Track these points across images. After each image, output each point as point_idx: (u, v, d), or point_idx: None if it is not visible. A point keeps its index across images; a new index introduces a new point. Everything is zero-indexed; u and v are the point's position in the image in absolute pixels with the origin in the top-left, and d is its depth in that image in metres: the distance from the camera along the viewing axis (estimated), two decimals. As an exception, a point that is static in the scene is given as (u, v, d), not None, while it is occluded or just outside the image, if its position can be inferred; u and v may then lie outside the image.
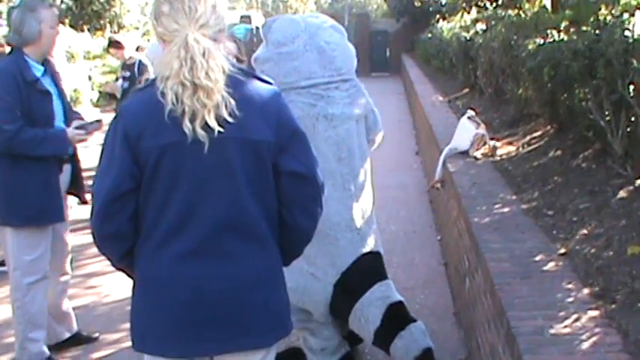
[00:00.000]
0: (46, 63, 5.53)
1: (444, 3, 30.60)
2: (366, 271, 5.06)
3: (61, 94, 5.62)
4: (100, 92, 23.52)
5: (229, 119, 2.85)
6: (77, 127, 5.57)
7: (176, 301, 3.00)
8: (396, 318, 4.94)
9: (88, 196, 5.91)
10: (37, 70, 5.39)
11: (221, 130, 2.84)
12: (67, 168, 5.71)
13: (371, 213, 5.24)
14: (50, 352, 5.76)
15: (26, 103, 5.21)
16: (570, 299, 3.99)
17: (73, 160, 5.79)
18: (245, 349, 3.11)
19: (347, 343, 5.48)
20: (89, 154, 6.00)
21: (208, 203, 2.96)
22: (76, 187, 5.90)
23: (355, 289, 4.99)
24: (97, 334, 6.27)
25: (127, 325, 6.32)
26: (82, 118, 5.82)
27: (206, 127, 2.84)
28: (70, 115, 5.69)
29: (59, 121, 5.51)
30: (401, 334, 4.82)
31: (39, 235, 5.50)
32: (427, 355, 4.78)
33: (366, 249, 5.08)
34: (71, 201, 6.04)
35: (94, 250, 8.38)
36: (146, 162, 2.92)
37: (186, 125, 2.83)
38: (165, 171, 2.93)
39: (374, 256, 5.14)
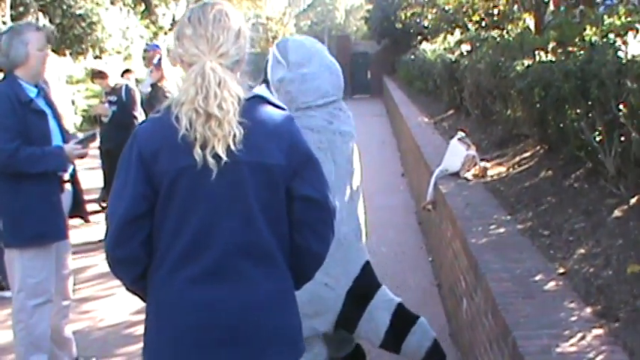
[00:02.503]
0: (38, 85, 5.60)
1: (426, 25, 30.66)
2: (371, 277, 5.33)
3: (55, 115, 5.68)
4: (83, 117, 23.48)
5: (240, 147, 2.87)
6: (74, 143, 5.63)
7: (188, 325, 3.00)
8: (404, 317, 5.31)
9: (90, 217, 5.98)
10: (31, 91, 5.47)
11: (227, 160, 2.86)
12: (68, 190, 5.77)
13: (365, 221, 5.50)
14: None
15: (23, 123, 5.29)
16: (574, 318, 4.01)
17: (74, 181, 5.87)
18: None
19: None
20: (86, 176, 6.07)
21: (222, 227, 2.97)
22: (78, 208, 5.99)
23: (365, 294, 5.24)
24: (94, 359, 6.24)
25: (124, 350, 6.43)
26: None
27: (216, 155, 2.86)
28: (66, 136, 5.74)
29: (57, 141, 5.58)
30: (413, 330, 5.26)
31: (43, 256, 5.52)
32: (436, 344, 5.34)
33: (367, 257, 5.36)
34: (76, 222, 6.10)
35: (88, 274, 8.51)
36: (160, 184, 2.94)
37: (197, 152, 2.85)
38: (180, 194, 2.94)
39: (370, 264, 5.40)
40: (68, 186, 5.80)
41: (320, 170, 3.17)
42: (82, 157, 5.70)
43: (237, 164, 2.91)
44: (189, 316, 3.00)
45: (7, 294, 7.11)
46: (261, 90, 5.15)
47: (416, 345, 5.29)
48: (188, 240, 2.97)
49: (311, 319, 5.05)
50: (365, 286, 5.24)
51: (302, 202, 3.09)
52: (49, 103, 5.67)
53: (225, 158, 2.85)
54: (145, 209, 2.97)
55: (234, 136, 2.86)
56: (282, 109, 3.16)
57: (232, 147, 2.86)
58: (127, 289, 3.27)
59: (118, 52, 36.62)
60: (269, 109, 3.10)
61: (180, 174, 2.92)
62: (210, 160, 2.85)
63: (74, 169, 5.87)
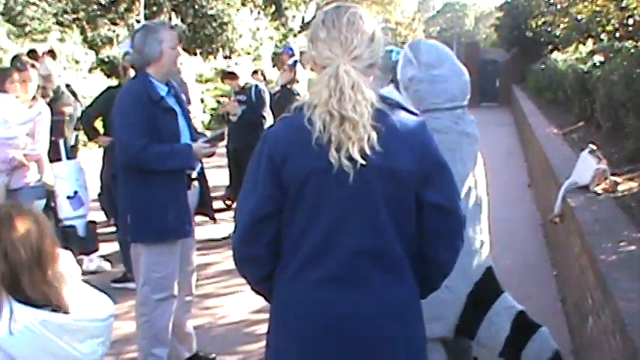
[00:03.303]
0: (169, 84, 5.68)
1: (557, 34, 30.14)
2: (493, 282, 5.18)
3: (185, 113, 5.76)
4: (211, 115, 23.86)
5: (373, 150, 2.85)
6: (203, 142, 5.68)
7: (313, 326, 3.01)
8: (525, 324, 5.10)
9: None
10: (162, 89, 5.55)
11: (364, 162, 2.85)
12: (195, 188, 5.85)
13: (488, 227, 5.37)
14: None
15: (152, 120, 5.39)
16: None
17: (201, 179, 5.94)
18: None
19: None
20: (212, 174, 6.15)
21: (348, 230, 2.96)
22: (205, 206, 6.07)
23: (486, 299, 5.11)
24: (213, 355, 6.32)
25: (243, 348, 6.48)
26: None
27: (350, 157, 2.85)
28: (194, 134, 5.82)
29: (185, 139, 5.65)
30: (534, 338, 5.00)
31: (168, 252, 5.61)
32: (557, 357, 5.05)
33: (490, 262, 5.22)
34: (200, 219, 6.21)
35: (211, 270, 8.64)
36: (289, 186, 2.96)
37: (333, 155, 2.85)
38: (308, 196, 2.95)
39: (493, 270, 5.26)
40: (195, 184, 5.87)
41: (451, 178, 3.14)
42: (209, 155, 5.77)
43: (368, 168, 2.89)
44: (314, 317, 3.01)
45: (131, 285, 7.25)
46: (388, 91, 5.12)
47: (536, 354, 5.08)
48: (315, 242, 2.98)
49: (430, 323, 4.98)
50: (486, 290, 5.13)
51: (431, 210, 3.06)
52: (179, 102, 5.74)
53: (360, 161, 2.84)
54: (272, 210, 3.00)
55: (369, 139, 2.85)
56: (415, 114, 3.13)
57: (367, 150, 2.85)
58: (252, 289, 3.31)
59: (248, 53, 37.10)
60: (402, 114, 3.07)
61: (309, 176, 2.93)
62: (345, 163, 2.85)
63: (202, 168, 5.95)
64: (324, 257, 2.98)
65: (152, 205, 5.48)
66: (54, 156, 7.81)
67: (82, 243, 7.07)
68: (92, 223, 7.13)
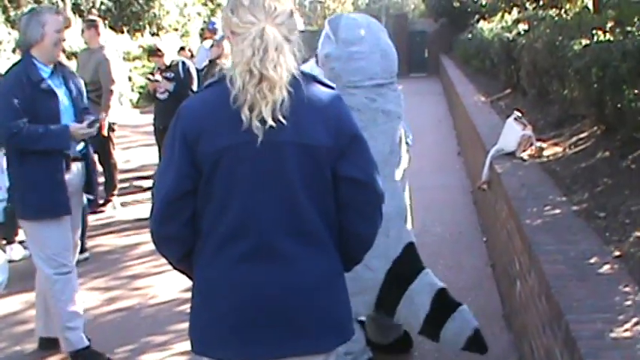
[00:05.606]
0: (57, 65, 5.82)
1: (483, 3, 30.39)
2: (413, 259, 5.23)
3: (71, 95, 5.83)
4: (140, 93, 23.64)
5: (285, 122, 2.84)
6: (87, 124, 5.78)
7: (234, 304, 3.00)
8: (445, 302, 5.15)
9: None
10: (44, 71, 5.67)
11: (273, 124, 2.83)
12: (77, 167, 5.93)
13: (409, 204, 5.41)
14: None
15: (30, 101, 5.50)
16: (629, 302, 3.94)
17: (87, 159, 6.03)
18: (302, 353, 3.09)
19: (370, 349, 5.43)
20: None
21: (265, 208, 2.95)
22: (88, 187, 6.14)
23: (406, 276, 5.13)
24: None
25: (174, 327, 6.47)
26: None
27: (262, 121, 2.83)
28: (81, 116, 5.88)
29: (67, 120, 5.75)
30: (453, 316, 5.07)
31: (53, 228, 5.72)
32: (477, 335, 5.11)
33: (410, 238, 5.26)
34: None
35: (139, 251, 8.62)
36: (203, 165, 2.93)
37: (245, 113, 2.83)
38: (222, 174, 2.93)
39: (414, 246, 5.30)
40: (78, 164, 5.94)
41: (367, 152, 3.12)
42: (85, 138, 5.86)
43: (281, 144, 2.89)
44: (235, 295, 3.00)
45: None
46: (310, 65, 5.13)
47: (455, 333, 5.10)
48: (231, 220, 2.97)
49: (350, 298, 4.99)
50: (405, 268, 5.15)
51: (348, 184, 3.05)
52: (66, 83, 5.83)
53: (270, 122, 2.82)
54: (188, 188, 2.97)
55: (282, 102, 2.84)
56: (332, 87, 3.12)
57: (278, 115, 2.83)
58: (174, 267, 3.30)
59: (175, 30, 36.73)
60: (317, 87, 3.05)
61: (222, 154, 2.90)
62: (256, 125, 2.83)
63: (86, 148, 6.02)
64: (241, 234, 2.96)
65: (28, 184, 5.62)
66: None
67: (2, 228, 6.96)
68: (12, 208, 7.10)
